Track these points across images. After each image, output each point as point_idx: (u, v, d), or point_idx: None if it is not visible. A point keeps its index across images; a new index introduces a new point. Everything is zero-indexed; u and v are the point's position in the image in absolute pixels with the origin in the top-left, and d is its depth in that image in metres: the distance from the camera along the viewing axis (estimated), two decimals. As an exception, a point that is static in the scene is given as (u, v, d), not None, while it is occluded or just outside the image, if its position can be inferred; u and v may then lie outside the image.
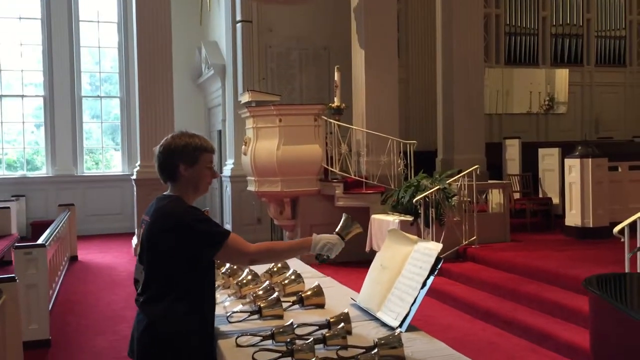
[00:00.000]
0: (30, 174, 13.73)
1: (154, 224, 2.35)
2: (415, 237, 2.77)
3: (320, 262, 2.59)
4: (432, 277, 2.46)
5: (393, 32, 9.88)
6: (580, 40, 13.58)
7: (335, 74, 9.33)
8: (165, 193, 2.45)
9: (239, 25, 11.27)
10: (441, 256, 2.44)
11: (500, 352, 5.16)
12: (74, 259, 10.11)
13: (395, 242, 2.80)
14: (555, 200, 9.53)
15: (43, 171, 13.79)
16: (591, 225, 7.94)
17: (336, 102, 9.27)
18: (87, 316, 6.67)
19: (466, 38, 10.34)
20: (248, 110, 9.17)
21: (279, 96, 9.73)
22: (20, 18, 13.61)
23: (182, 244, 2.28)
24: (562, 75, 13.57)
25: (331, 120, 9.02)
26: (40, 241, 6.01)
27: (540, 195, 9.85)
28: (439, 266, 2.50)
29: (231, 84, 11.59)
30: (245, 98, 9.38)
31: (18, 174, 13.64)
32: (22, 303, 5.06)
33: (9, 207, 10.14)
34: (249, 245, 2.41)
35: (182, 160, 2.37)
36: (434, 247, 2.54)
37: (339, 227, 2.59)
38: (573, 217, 8.17)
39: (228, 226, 11.32)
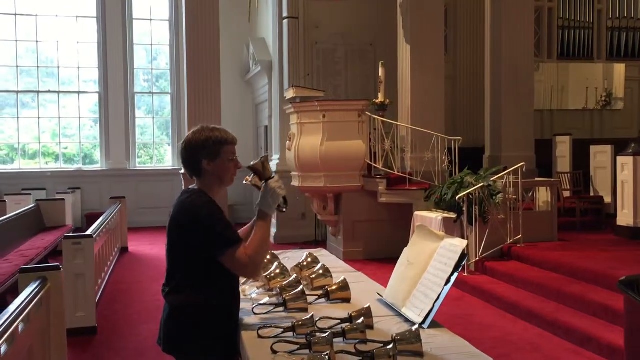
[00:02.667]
0: (86, 168, 14.25)
1: (174, 218, 2.41)
2: (442, 233, 2.76)
3: (284, 210, 2.55)
4: (456, 274, 2.45)
5: (440, 27, 9.75)
6: (638, 34, 13.08)
7: (380, 69, 9.28)
8: (190, 187, 2.51)
9: (285, 21, 11.34)
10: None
11: (541, 353, 5.05)
12: (124, 250, 10.44)
13: (422, 239, 2.80)
14: (607, 199, 9.26)
15: (98, 165, 14.30)
16: (644, 226, 7.70)
17: (380, 98, 9.22)
18: (133, 305, 6.88)
19: (516, 33, 10.10)
20: (292, 106, 9.24)
21: (323, 92, 9.76)
22: (77, 17, 14.11)
23: (196, 240, 2.32)
24: (619, 70, 13.11)
25: (375, 116, 8.99)
26: (88, 232, 6.24)
27: (592, 194, 9.58)
28: (463, 263, 2.49)
29: (277, 80, 11.68)
30: (290, 94, 9.45)
31: (74, 167, 14.17)
32: (70, 291, 5.28)
33: (63, 199, 10.54)
34: (245, 257, 2.34)
35: (204, 155, 2.41)
36: (459, 244, 2.53)
37: (262, 175, 2.49)
38: (625, 217, 7.92)
39: (272, 220, 11.42)
